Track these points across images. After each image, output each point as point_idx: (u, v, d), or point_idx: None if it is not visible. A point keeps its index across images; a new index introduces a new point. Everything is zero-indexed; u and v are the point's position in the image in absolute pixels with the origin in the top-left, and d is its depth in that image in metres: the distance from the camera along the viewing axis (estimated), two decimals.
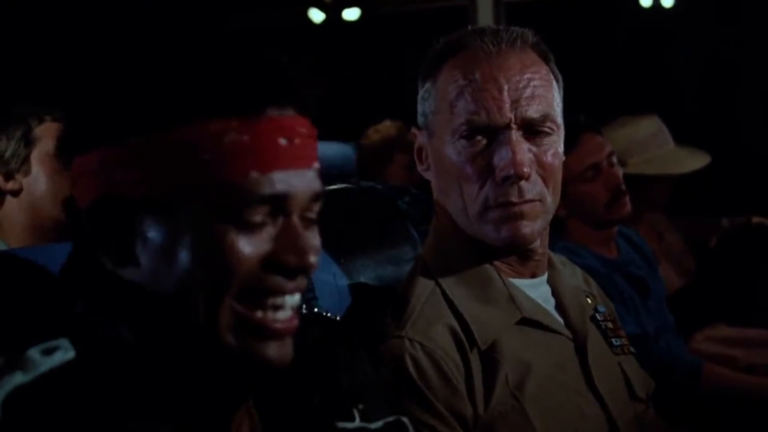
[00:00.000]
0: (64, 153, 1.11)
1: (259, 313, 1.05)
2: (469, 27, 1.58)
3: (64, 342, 1.02)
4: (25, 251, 1.38)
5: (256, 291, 1.04)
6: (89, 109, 1.08)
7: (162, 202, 1.02)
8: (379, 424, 1.27)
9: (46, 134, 2.26)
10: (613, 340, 1.67)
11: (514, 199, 1.49)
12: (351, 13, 5.19)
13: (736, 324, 2.91)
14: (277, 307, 1.06)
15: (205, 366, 1.06)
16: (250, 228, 1.03)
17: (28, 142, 2.24)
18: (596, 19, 5.12)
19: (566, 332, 1.58)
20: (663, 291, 2.89)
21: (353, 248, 1.78)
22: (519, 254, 1.58)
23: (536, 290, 1.60)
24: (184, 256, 1.02)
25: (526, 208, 1.50)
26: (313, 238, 1.08)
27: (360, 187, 2.05)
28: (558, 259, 1.71)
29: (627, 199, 2.70)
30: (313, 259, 1.05)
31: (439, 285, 1.55)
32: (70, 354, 1.01)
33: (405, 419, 1.33)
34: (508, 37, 1.52)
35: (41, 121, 2.27)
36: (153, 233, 1.03)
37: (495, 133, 1.49)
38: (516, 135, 1.48)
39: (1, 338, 1.05)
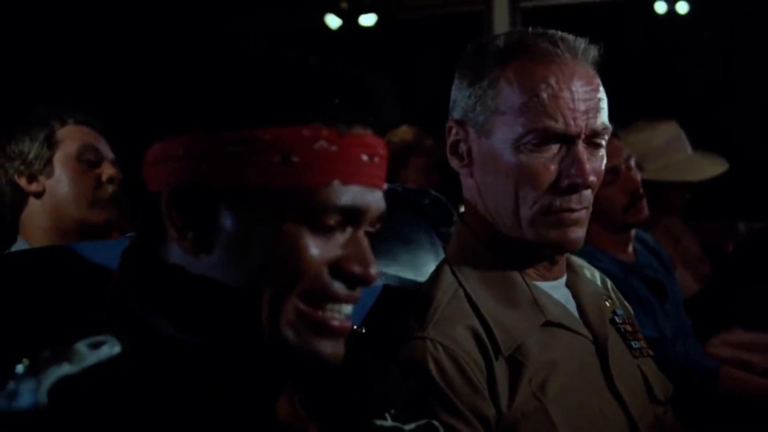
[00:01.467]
0: (144, 135, 1.14)
1: (320, 313, 1.09)
2: (530, 29, 1.55)
3: (111, 337, 1.05)
4: (82, 246, 1.41)
5: (319, 294, 1.08)
6: (182, 97, 1.12)
7: (245, 195, 1.06)
8: (411, 425, 1.31)
9: (69, 136, 2.29)
10: (633, 343, 1.68)
11: (575, 206, 1.51)
12: (367, 19, 5.20)
13: (753, 329, 2.90)
14: (335, 311, 1.11)
15: (260, 357, 1.10)
16: (323, 232, 1.08)
17: (51, 144, 2.26)
18: (611, 26, 5.11)
19: (588, 334, 1.59)
20: (680, 295, 2.89)
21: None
22: (551, 258, 1.59)
23: (557, 292, 1.61)
24: (258, 250, 1.06)
25: (581, 215, 1.53)
26: (372, 251, 1.13)
27: None
28: (577, 261, 1.72)
29: (644, 203, 2.70)
30: (374, 271, 1.10)
31: (462, 286, 1.56)
32: (116, 349, 1.04)
33: (436, 423, 1.36)
34: (578, 46, 1.52)
35: (63, 123, 2.29)
36: (230, 224, 1.07)
37: (565, 141, 1.50)
38: (582, 144, 1.50)
39: (51, 331, 1.08)
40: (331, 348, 1.11)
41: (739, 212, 4.13)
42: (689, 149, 3.33)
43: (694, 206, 3.45)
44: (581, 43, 1.53)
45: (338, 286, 1.09)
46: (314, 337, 1.09)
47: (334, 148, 1.07)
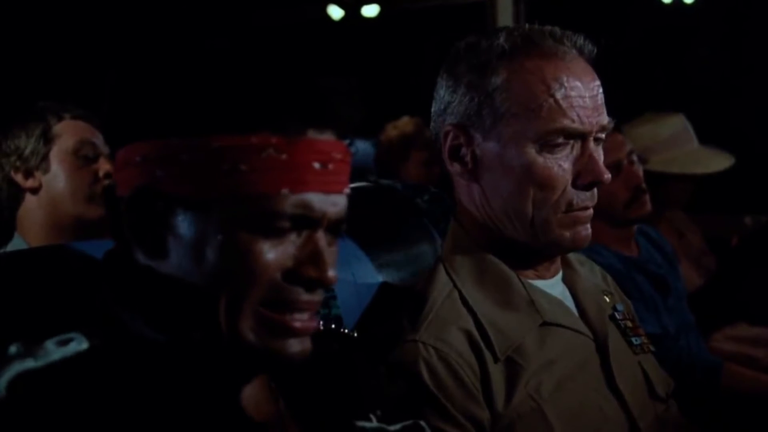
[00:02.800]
0: (109, 142, 1.17)
1: (279, 316, 1.09)
2: (527, 26, 1.53)
3: (80, 335, 1.06)
4: (82, 245, 1.42)
5: (278, 300, 1.08)
6: (138, 103, 1.14)
7: (196, 201, 1.07)
8: (397, 426, 1.30)
9: (65, 132, 2.27)
10: (633, 339, 1.66)
11: (590, 203, 1.53)
12: (370, 10, 5.19)
13: (757, 323, 2.88)
14: (297, 312, 1.10)
15: (221, 357, 1.10)
16: (275, 237, 1.08)
17: (48, 139, 2.25)
18: (616, 16, 5.09)
19: (586, 332, 1.58)
20: (683, 289, 2.88)
21: (372, 247, 1.78)
22: (550, 258, 1.59)
23: (553, 290, 1.60)
24: (210, 256, 1.07)
25: (591, 212, 1.54)
26: (334, 254, 1.13)
27: (379, 185, 2.04)
28: (576, 257, 1.70)
29: (647, 197, 2.68)
30: (331, 273, 1.10)
31: (456, 287, 1.54)
32: (84, 345, 1.05)
33: (423, 423, 1.35)
34: (579, 42, 1.51)
35: (60, 118, 2.28)
36: (184, 229, 1.08)
37: (579, 139, 1.49)
38: (592, 141, 1.50)
39: (29, 329, 1.09)
40: (296, 346, 1.11)
41: (745, 206, 4.10)
42: (696, 142, 3.31)
43: (699, 200, 3.44)
44: (581, 38, 1.52)
45: (296, 292, 1.09)
46: (276, 338, 1.10)
47: (283, 156, 1.07)
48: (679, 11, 4.95)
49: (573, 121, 1.47)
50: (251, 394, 1.16)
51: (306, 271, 1.09)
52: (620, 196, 2.65)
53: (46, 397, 0.99)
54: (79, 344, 1.05)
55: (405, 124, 3.93)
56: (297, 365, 1.13)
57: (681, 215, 3.52)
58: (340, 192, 1.13)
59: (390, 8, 5.16)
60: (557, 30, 1.52)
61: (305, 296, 1.09)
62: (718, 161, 3.31)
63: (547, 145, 1.47)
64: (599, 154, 1.53)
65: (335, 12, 5.21)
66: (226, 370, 1.12)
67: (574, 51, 1.50)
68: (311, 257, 1.09)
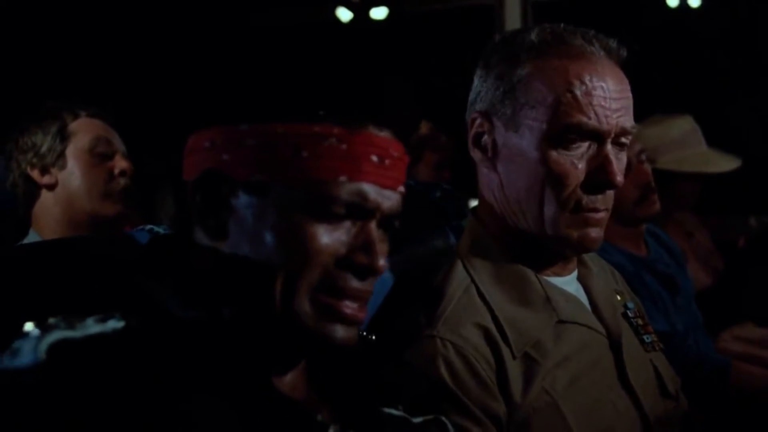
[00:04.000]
0: (182, 130, 1.22)
1: (333, 300, 1.13)
2: (561, 25, 1.53)
3: (118, 314, 1.09)
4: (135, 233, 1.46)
5: (330, 286, 1.13)
6: (209, 92, 1.19)
7: (258, 184, 1.12)
8: (419, 419, 1.32)
9: (81, 129, 2.29)
10: (645, 337, 1.67)
11: (600, 206, 1.51)
12: (379, 12, 5.19)
13: (764, 324, 2.89)
14: (348, 300, 1.15)
15: (273, 334, 1.15)
16: (330, 222, 1.13)
17: (64, 137, 2.27)
18: (623, 19, 5.10)
19: (601, 329, 1.59)
20: (692, 289, 2.88)
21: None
22: (565, 256, 1.59)
23: (569, 287, 1.61)
24: (268, 237, 1.12)
25: (604, 215, 1.53)
26: (385, 247, 1.18)
27: None
28: (588, 256, 1.71)
29: (656, 197, 2.69)
30: (382, 262, 1.15)
31: (474, 283, 1.55)
32: (121, 324, 1.08)
33: (444, 418, 1.37)
34: (611, 45, 1.52)
35: (76, 116, 2.30)
36: (245, 211, 1.13)
37: (595, 139, 1.49)
38: (610, 144, 1.50)
39: (71, 307, 1.11)
40: (343, 332, 1.15)
41: (751, 207, 4.11)
42: (704, 144, 3.32)
43: (705, 202, 3.44)
44: (614, 42, 1.52)
45: (348, 278, 1.14)
46: (327, 322, 1.14)
47: (343, 146, 1.13)
48: (685, 14, 4.95)
49: (590, 118, 1.47)
50: (287, 376, 1.20)
51: (358, 258, 1.13)
52: (629, 195, 2.66)
53: (82, 365, 1.03)
54: (118, 322, 1.08)
55: (420, 126, 3.95)
56: (342, 350, 1.17)
57: (689, 216, 3.52)
58: (394, 188, 1.18)
59: (399, 11, 5.17)
60: (590, 31, 1.52)
61: (356, 283, 1.14)
62: (727, 162, 3.32)
63: (562, 140, 1.48)
64: (619, 158, 1.51)
65: (344, 14, 5.22)
66: (270, 349, 1.16)
67: (603, 53, 1.50)
68: (363, 245, 1.14)
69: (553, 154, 1.48)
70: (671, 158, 3.18)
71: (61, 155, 2.26)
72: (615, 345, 1.59)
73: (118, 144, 2.34)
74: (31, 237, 2.26)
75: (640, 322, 1.70)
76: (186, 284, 1.15)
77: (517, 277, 1.56)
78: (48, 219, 2.27)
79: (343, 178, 1.12)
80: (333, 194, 1.12)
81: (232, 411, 1.08)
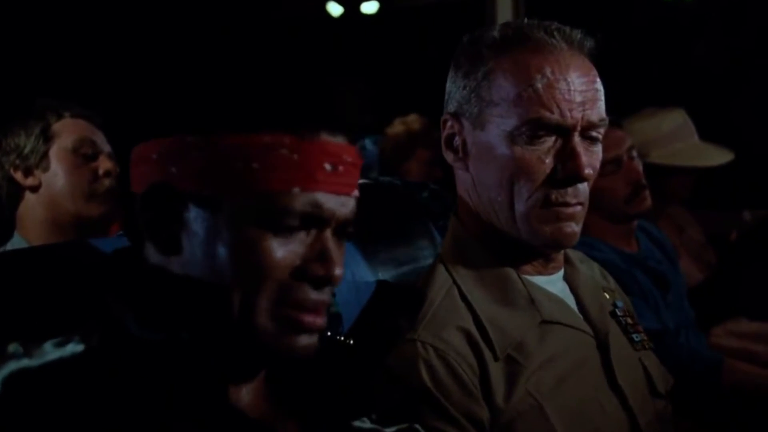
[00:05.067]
0: (126, 140, 1.18)
1: (293, 312, 1.11)
2: (526, 19, 1.53)
3: (77, 336, 1.07)
4: (99, 242, 1.42)
5: (287, 298, 1.11)
6: (153, 101, 1.15)
7: (208, 198, 1.09)
8: (392, 429, 1.31)
9: (65, 130, 2.28)
10: (634, 336, 1.66)
11: (571, 200, 1.49)
12: (369, 7, 5.19)
13: (758, 318, 2.88)
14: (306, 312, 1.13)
15: (231, 351, 1.13)
16: (284, 235, 1.10)
17: (47, 138, 2.25)
18: (616, 14, 5.09)
19: (587, 329, 1.57)
20: (683, 285, 2.88)
21: (372, 244, 1.78)
22: (545, 254, 1.57)
23: (554, 287, 1.59)
24: (222, 252, 1.09)
25: (576, 210, 1.51)
26: (341, 254, 1.16)
27: (379, 182, 2.04)
28: (575, 255, 1.70)
29: (647, 193, 2.68)
30: (338, 271, 1.12)
31: (456, 284, 1.54)
32: (80, 347, 1.06)
33: (418, 426, 1.36)
34: (575, 37, 1.50)
35: (60, 116, 2.28)
36: (197, 226, 1.10)
37: (560, 133, 1.48)
38: (578, 137, 1.48)
39: (31, 329, 1.10)
40: (304, 341, 1.13)
41: (744, 201, 4.10)
42: (696, 138, 3.31)
43: (698, 196, 3.44)
44: (578, 33, 1.51)
45: (304, 290, 1.11)
46: (287, 334, 1.12)
47: (295, 156, 1.09)
48: (679, 8, 4.95)
49: (552, 112, 1.45)
50: (246, 392, 1.17)
51: (313, 268, 1.11)
52: (620, 192, 2.65)
53: (38, 396, 1.01)
54: (77, 345, 1.06)
55: (413, 120, 3.94)
56: (302, 360, 1.15)
57: (681, 211, 3.52)
58: (349, 194, 1.15)
59: (389, 5, 5.17)
60: (553, 24, 1.51)
61: (313, 294, 1.12)
62: (719, 155, 3.31)
63: (527, 135, 1.47)
64: (591, 150, 1.50)
65: (334, 9, 5.21)
66: (227, 367, 1.13)
67: (565, 45, 1.49)
68: (319, 255, 1.12)
69: (519, 150, 1.47)
70: (663, 152, 3.17)
71: (45, 156, 2.24)
72: (602, 344, 1.57)
73: (103, 144, 2.32)
74: (16, 239, 2.25)
75: (629, 320, 1.69)
76: (143, 302, 1.13)
77: (499, 277, 1.55)
78: (32, 221, 2.26)
79: (296, 189, 1.09)
80: (286, 206, 1.09)
81: None
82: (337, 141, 1.14)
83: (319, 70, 1.16)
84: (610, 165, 2.63)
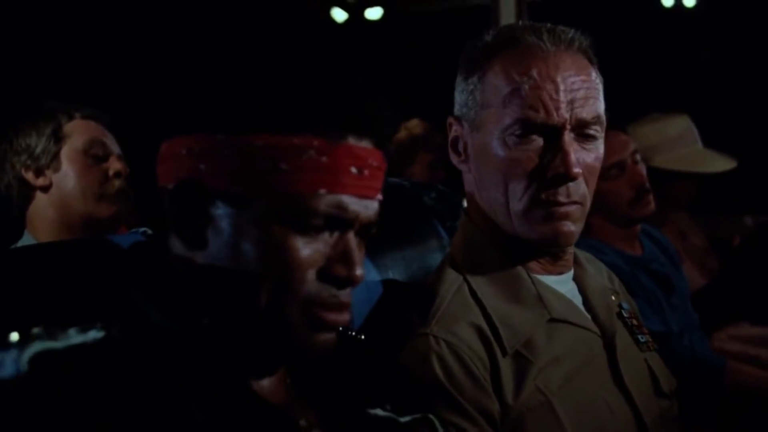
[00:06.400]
0: (155, 134, 1.19)
1: (319, 311, 1.13)
2: (520, 22, 1.57)
3: (100, 324, 1.09)
4: (118, 238, 1.43)
5: (310, 301, 1.12)
6: (187, 97, 1.17)
7: (236, 196, 1.11)
8: (407, 418, 1.33)
9: (76, 131, 2.29)
10: (639, 337, 1.68)
11: (562, 199, 1.51)
12: (373, 13, 5.19)
13: (760, 323, 2.89)
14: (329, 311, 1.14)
15: (256, 341, 1.14)
16: (309, 235, 1.12)
17: (58, 138, 2.26)
18: (618, 19, 5.10)
19: (595, 329, 1.59)
20: (687, 289, 2.88)
21: (380, 244, 1.79)
22: (551, 253, 1.59)
23: (563, 287, 1.61)
24: (248, 250, 1.11)
25: (571, 209, 1.52)
26: (362, 255, 1.18)
27: (386, 182, 2.05)
28: (584, 256, 1.72)
29: (651, 197, 2.69)
30: (359, 272, 1.14)
31: (467, 282, 1.56)
32: (102, 333, 1.08)
33: (432, 416, 1.38)
34: (564, 37, 1.52)
35: (71, 117, 2.29)
36: (224, 222, 1.12)
37: (549, 133, 1.49)
38: (569, 136, 1.49)
39: (53, 317, 1.10)
40: (325, 338, 1.15)
41: (746, 206, 4.11)
42: (700, 144, 3.32)
43: (701, 200, 3.44)
44: (568, 33, 1.53)
45: (327, 290, 1.13)
46: (314, 332, 1.14)
47: (323, 158, 1.11)
48: (680, 14, 4.96)
49: (538, 112, 1.48)
50: (267, 380, 1.19)
51: (336, 269, 1.13)
52: (624, 196, 2.66)
53: (63, 376, 1.02)
54: (98, 332, 1.08)
55: (415, 126, 3.95)
56: (322, 357, 1.17)
57: (684, 216, 3.53)
58: (373, 197, 1.18)
59: (394, 11, 5.17)
60: (544, 25, 1.54)
61: (335, 294, 1.14)
62: (723, 162, 3.32)
63: (515, 136, 1.49)
64: (584, 148, 1.52)
65: (339, 14, 5.22)
66: (249, 356, 1.15)
67: (553, 47, 1.51)
68: (342, 256, 1.13)
69: (510, 150, 1.50)
70: (667, 157, 3.18)
71: (56, 157, 2.25)
72: (609, 344, 1.59)
73: (113, 146, 2.33)
74: (26, 239, 2.26)
75: (634, 322, 1.70)
76: (165, 293, 1.14)
77: (508, 275, 1.56)
78: (42, 221, 2.27)
79: (322, 191, 1.11)
80: (312, 207, 1.11)
81: (214, 420, 1.08)
82: (364, 145, 1.16)
83: (346, 75, 1.17)
84: (614, 169, 2.64)
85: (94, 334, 1.07)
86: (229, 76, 1.17)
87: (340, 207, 1.12)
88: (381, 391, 1.34)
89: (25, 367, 1.02)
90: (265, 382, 1.19)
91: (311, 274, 1.12)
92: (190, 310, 1.13)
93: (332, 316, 1.14)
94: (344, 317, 1.16)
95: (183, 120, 1.16)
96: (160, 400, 1.04)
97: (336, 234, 1.14)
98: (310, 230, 1.12)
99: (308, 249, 1.12)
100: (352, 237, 1.15)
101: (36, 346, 1.04)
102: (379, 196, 1.19)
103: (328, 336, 1.15)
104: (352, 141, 1.15)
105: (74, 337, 1.06)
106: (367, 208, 1.16)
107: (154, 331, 1.11)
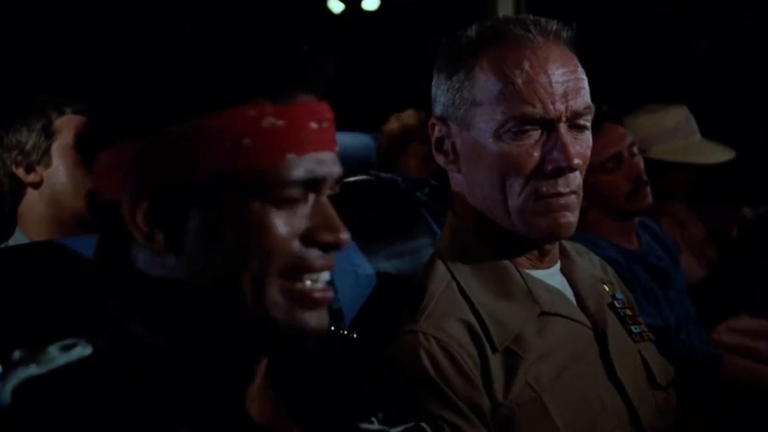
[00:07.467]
0: (87, 148, 1.12)
1: (300, 285, 1.09)
2: (501, 15, 1.56)
3: (83, 340, 1.05)
4: (73, 241, 1.40)
5: (296, 268, 1.08)
6: (119, 101, 1.10)
7: (205, 186, 1.05)
8: (399, 429, 1.31)
9: (67, 126, 2.27)
10: (633, 327, 1.67)
11: (562, 189, 1.50)
12: (370, 3, 5.19)
13: (759, 314, 2.88)
14: (314, 281, 1.11)
15: (243, 345, 1.10)
16: (287, 206, 1.07)
17: (49, 134, 2.24)
18: (618, 10, 5.09)
19: (585, 321, 1.58)
20: (684, 282, 2.88)
21: (373, 239, 1.78)
22: (540, 247, 1.58)
23: (552, 280, 1.60)
24: (228, 238, 1.05)
25: (570, 199, 1.51)
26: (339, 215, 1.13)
27: (380, 178, 2.05)
28: (574, 247, 1.71)
29: (648, 189, 2.68)
30: (345, 236, 1.10)
31: (455, 278, 1.55)
32: (87, 351, 1.04)
33: (424, 425, 1.36)
34: (551, 28, 1.51)
35: (61, 113, 2.27)
36: (198, 218, 1.06)
37: (545, 126, 1.48)
38: (564, 127, 1.48)
39: (30, 331, 1.09)
40: (316, 320, 1.11)
41: (744, 197, 4.10)
42: (698, 134, 3.32)
43: (700, 191, 3.44)
44: (554, 24, 1.52)
45: (313, 256, 1.09)
46: (299, 310, 1.09)
47: (282, 122, 1.06)
48: (680, 5, 4.95)
49: (534, 107, 1.47)
50: (253, 397, 1.14)
51: (322, 236, 1.09)
52: (621, 188, 2.65)
53: (49, 405, 0.98)
54: (83, 349, 1.04)
55: (408, 116, 3.93)
56: (315, 339, 1.13)
57: (682, 207, 3.52)
58: (334, 150, 1.13)
59: (390, 2, 5.17)
60: (529, 17, 1.52)
61: (321, 261, 1.09)
62: (721, 153, 3.31)
63: (511, 132, 1.48)
64: (579, 139, 1.51)
65: (336, 5, 5.22)
66: (238, 368, 1.12)
67: (541, 38, 1.49)
68: (325, 222, 1.09)
69: (506, 146, 1.48)
70: (665, 148, 3.18)
71: (47, 153, 2.23)
72: (600, 336, 1.58)
73: None
74: (17, 236, 2.25)
75: (628, 312, 1.69)
76: (146, 305, 1.09)
77: (497, 270, 1.55)
78: (34, 217, 2.25)
79: (291, 156, 1.06)
80: (286, 176, 1.06)
81: None
82: (313, 99, 1.11)
83: (281, 36, 1.13)
84: (611, 161, 2.63)
85: (78, 352, 1.03)
86: (164, 65, 1.09)
87: (313, 168, 1.08)
88: (372, 397, 1.32)
89: (8, 399, 0.98)
90: (252, 401, 1.14)
91: (296, 246, 1.08)
92: (175, 322, 1.08)
93: (317, 294, 1.09)
94: (329, 293, 1.12)
95: (121, 122, 1.07)
96: (152, 425, 1.00)
97: (311, 200, 1.09)
98: (287, 202, 1.07)
99: (289, 221, 1.07)
100: (327, 201, 1.11)
101: (18, 375, 1.00)
102: (337, 148, 1.14)
103: (317, 317, 1.11)
104: (302, 98, 1.09)
105: (57, 359, 1.02)
106: (334, 162, 1.12)
107: (141, 348, 1.06)
